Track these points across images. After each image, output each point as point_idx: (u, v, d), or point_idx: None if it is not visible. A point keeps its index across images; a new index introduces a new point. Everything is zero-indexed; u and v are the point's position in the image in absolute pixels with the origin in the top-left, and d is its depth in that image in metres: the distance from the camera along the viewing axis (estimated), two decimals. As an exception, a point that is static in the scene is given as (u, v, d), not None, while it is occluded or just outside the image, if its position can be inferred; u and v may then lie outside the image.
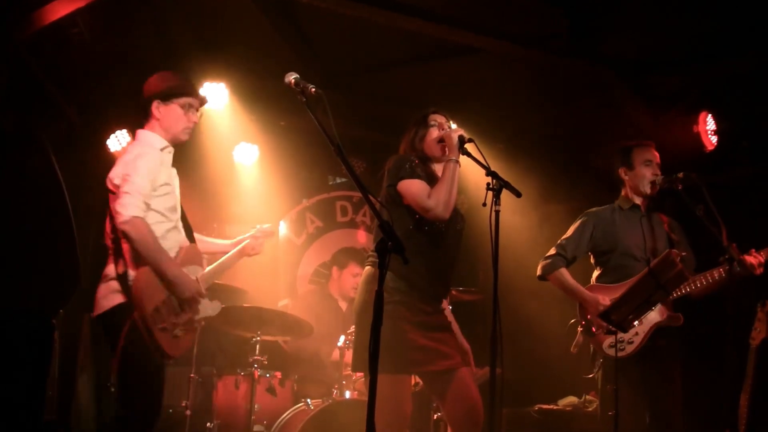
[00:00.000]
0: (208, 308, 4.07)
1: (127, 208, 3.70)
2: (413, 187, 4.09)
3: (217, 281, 5.76)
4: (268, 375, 5.69)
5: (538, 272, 4.91)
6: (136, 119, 6.84)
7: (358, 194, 7.71)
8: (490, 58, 6.41)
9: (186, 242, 4.04)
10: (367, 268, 4.32)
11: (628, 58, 6.33)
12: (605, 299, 4.57)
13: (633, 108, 6.63)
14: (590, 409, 6.05)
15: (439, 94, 6.86)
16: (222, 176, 7.14)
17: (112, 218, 3.83)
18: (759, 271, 4.43)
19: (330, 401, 5.38)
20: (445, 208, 4.06)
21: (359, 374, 5.50)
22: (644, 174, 4.82)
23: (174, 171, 4.11)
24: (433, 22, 5.79)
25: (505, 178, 3.75)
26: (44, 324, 4.31)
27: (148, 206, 3.81)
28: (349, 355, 5.64)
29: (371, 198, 3.18)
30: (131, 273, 3.80)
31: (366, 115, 7.44)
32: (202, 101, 4.17)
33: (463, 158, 4.09)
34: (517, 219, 7.09)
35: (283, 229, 7.79)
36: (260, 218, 4.92)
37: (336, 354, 5.88)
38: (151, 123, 4.08)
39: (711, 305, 4.66)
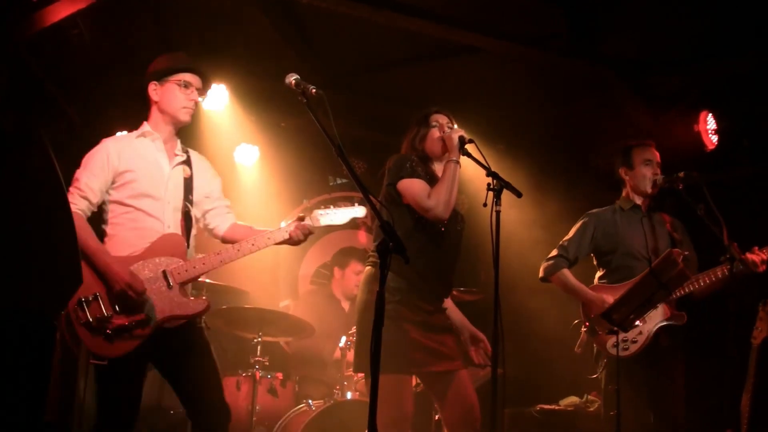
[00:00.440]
0: (176, 307, 3.66)
1: None
2: (414, 187, 4.09)
3: (218, 282, 5.78)
4: (269, 376, 5.69)
5: (541, 274, 4.90)
6: (137, 119, 6.87)
7: (359, 195, 7.63)
8: (491, 58, 6.41)
9: (168, 231, 3.77)
10: (368, 268, 4.32)
11: (628, 57, 6.33)
12: (610, 298, 4.57)
13: (633, 108, 6.63)
14: (592, 409, 6.04)
15: (440, 94, 6.85)
16: (222, 177, 7.11)
17: None
18: (762, 268, 4.43)
19: (331, 402, 5.38)
20: (445, 208, 4.07)
21: (360, 375, 5.50)
22: (644, 174, 4.82)
23: (181, 158, 3.94)
24: (433, 21, 5.80)
25: (506, 179, 3.75)
26: (45, 324, 4.29)
27: (90, 200, 3.71)
28: (350, 356, 5.64)
29: (372, 198, 3.18)
30: None
31: (366, 115, 7.44)
32: (202, 78, 3.98)
33: (463, 159, 4.09)
34: (517, 219, 7.09)
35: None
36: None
37: (338, 354, 5.87)
38: (151, 111, 3.99)
39: (713, 304, 4.65)
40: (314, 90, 3.41)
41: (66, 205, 4.23)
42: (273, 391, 5.67)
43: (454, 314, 4.37)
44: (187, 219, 3.86)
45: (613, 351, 4.44)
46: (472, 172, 4.21)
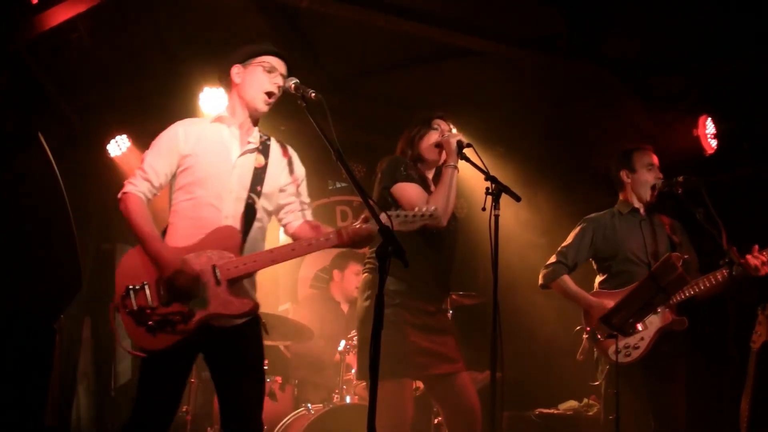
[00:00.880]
0: (220, 305, 3.41)
1: (123, 188, 3.53)
2: (410, 192, 4.08)
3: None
4: (268, 380, 5.68)
5: (540, 281, 4.89)
6: (136, 123, 6.87)
7: (358, 199, 7.69)
8: (490, 61, 6.42)
9: (226, 222, 3.51)
10: (365, 275, 4.32)
11: (628, 59, 6.33)
12: (611, 304, 4.56)
13: (633, 109, 6.64)
14: (591, 414, 6.04)
15: (439, 96, 6.87)
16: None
17: None
18: (763, 271, 4.40)
19: (330, 406, 5.38)
20: (444, 214, 4.06)
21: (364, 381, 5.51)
22: (647, 178, 4.81)
23: (253, 146, 3.67)
24: (433, 25, 5.80)
25: (504, 182, 3.76)
26: (46, 327, 4.30)
27: (152, 182, 3.54)
28: (349, 359, 5.64)
29: (371, 202, 3.17)
30: None
31: (366, 118, 7.45)
32: (288, 66, 3.70)
33: (461, 163, 4.09)
34: (516, 222, 7.09)
35: (283, 233, 7.79)
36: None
37: (337, 358, 5.87)
38: (230, 96, 3.73)
39: (712, 308, 4.65)
40: (313, 94, 3.41)
41: (66, 208, 4.24)
42: (272, 395, 5.67)
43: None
44: (249, 211, 3.56)
45: (614, 357, 4.43)
46: (470, 177, 4.21)
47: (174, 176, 3.60)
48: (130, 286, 3.38)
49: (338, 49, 6.51)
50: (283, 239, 3.92)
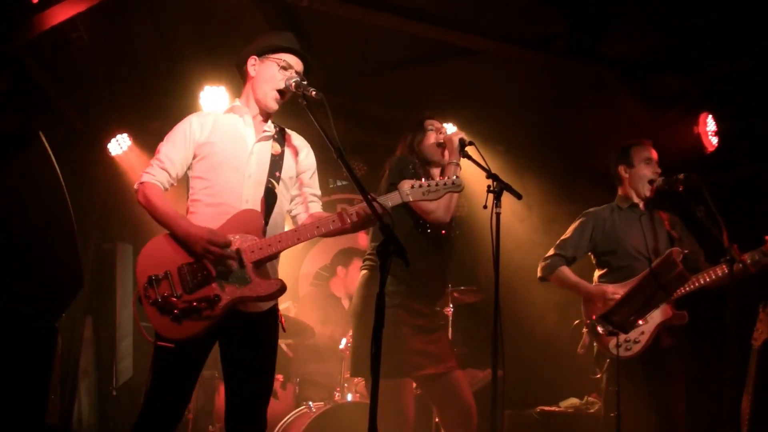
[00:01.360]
0: (247, 287, 3.37)
1: (140, 178, 3.53)
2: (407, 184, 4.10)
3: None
4: (269, 378, 5.68)
5: (539, 274, 4.90)
6: (137, 122, 6.87)
7: (358, 197, 7.66)
8: (491, 60, 6.41)
9: (246, 206, 3.50)
10: (364, 272, 4.33)
11: (629, 58, 6.33)
12: (610, 288, 4.57)
13: (633, 109, 6.64)
14: (592, 411, 6.04)
15: (440, 96, 6.87)
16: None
17: None
18: None
19: (332, 404, 5.38)
20: (446, 211, 4.09)
21: (360, 378, 5.51)
22: (645, 173, 4.82)
23: (269, 133, 3.66)
24: (433, 24, 5.80)
25: (506, 180, 3.76)
26: (47, 327, 4.30)
27: (169, 172, 3.53)
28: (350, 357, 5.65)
29: (372, 201, 3.17)
30: None
31: (367, 117, 7.45)
32: (306, 64, 3.70)
33: (463, 161, 4.10)
34: (518, 220, 7.10)
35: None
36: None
37: (339, 356, 5.88)
38: (244, 86, 3.75)
39: (713, 305, 4.65)
40: (314, 92, 3.42)
41: (67, 207, 4.24)
42: (273, 393, 5.66)
43: None
44: (269, 195, 3.55)
45: (614, 351, 4.44)
46: (472, 174, 4.22)
47: (190, 167, 3.61)
48: (153, 276, 3.36)
49: (338, 47, 6.50)
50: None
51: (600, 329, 4.53)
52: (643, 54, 6.30)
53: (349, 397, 5.54)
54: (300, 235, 3.45)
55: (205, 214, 3.50)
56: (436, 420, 5.72)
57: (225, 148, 3.57)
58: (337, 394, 5.60)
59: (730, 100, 6.26)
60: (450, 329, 5.68)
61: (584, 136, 7.18)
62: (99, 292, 7.06)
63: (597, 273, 4.90)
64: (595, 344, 4.67)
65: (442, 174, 4.25)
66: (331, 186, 8.05)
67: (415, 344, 4.12)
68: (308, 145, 3.84)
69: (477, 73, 6.75)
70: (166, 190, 3.55)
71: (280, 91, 3.61)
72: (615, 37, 6.04)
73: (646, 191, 4.82)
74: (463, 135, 4.15)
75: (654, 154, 4.87)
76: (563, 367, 6.40)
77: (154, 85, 6.70)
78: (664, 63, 6.34)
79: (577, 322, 4.81)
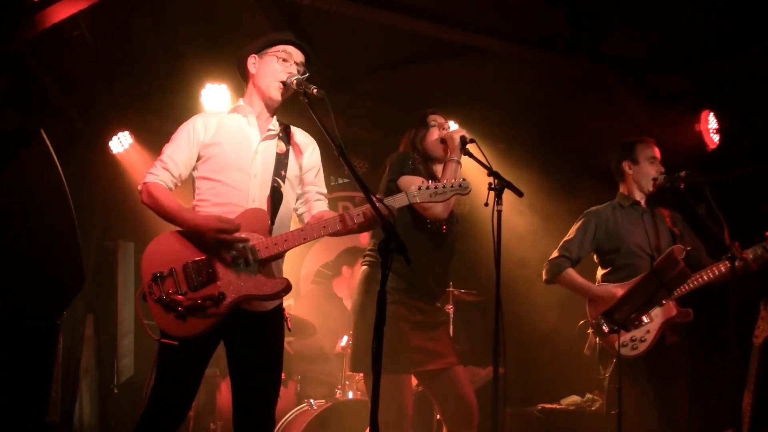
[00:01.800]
0: (252, 286, 3.36)
1: (143, 179, 3.53)
2: (415, 183, 4.10)
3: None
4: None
5: (544, 276, 4.88)
6: (138, 120, 6.87)
7: (360, 195, 7.71)
8: (493, 58, 6.41)
9: (252, 205, 3.50)
10: (364, 268, 4.33)
11: (630, 57, 6.33)
12: (618, 290, 4.56)
13: (634, 108, 6.63)
14: (593, 408, 6.05)
15: (441, 94, 6.87)
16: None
17: None
18: None
19: (333, 402, 5.39)
20: (445, 207, 4.09)
21: (361, 375, 5.51)
22: (649, 171, 4.82)
23: (273, 132, 3.66)
24: (435, 22, 5.80)
25: (507, 178, 3.76)
26: (48, 325, 4.30)
27: (172, 173, 3.53)
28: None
29: (373, 198, 3.17)
30: None
31: (368, 115, 7.45)
32: (305, 54, 3.69)
33: (464, 158, 4.10)
34: (519, 218, 7.10)
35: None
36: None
37: (340, 354, 5.89)
38: (247, 86, 3.75)
39: (715, 303, 4.66)
40: (315, 90, 3.41)
41: (68, 206, 4.24)
42: (275, 391, 5.67)
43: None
44: (275, 194, 3.56)
45: (623, 351, 4.43)
46: (473, 172, 4.22)
47: (195, 167, 3.61)
48: (157, 273, 3.35)
49: (340, 45, 6.50)
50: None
51: (605, 328, 4.53)
52: (644, 53, 6.30)
53: (350, 394, 5.55)
54: (306, 234, 3.45)
55: (212, 214, 3.48)
56: (438, 417, 5.73)
57: (230, 148, 3.56)
58: (338, 391, 5.60)
59: (731, 98, 6.26)
60: (451, 327, 5.69)
61: (585, 134, 7.18)
62: (100, 290, 7.06)
63: (600, 272, 4.90)
64: (599, 344, 4.67)
65: (443, 170, 4.25)
66: (333, 184, 8.05)
67: (415, 340, 4.12)
68: (314, 142, 3.83)
69: (478, 72, 6.75)
70: (170, 190, 3.55)
71: (282, 82, 3.59)
72: (616, 37, 6.03)
73: (650, 187, 4.81)
74: (464, 132, 4.15)
75: (658, 153, 4.87)
76: (564, 364, 6.41)
77: (155, 83, 6.70)
78: (665, 62, 6.34)
79: (582, 322, 4.81)
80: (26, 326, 4.09)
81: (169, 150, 3.57)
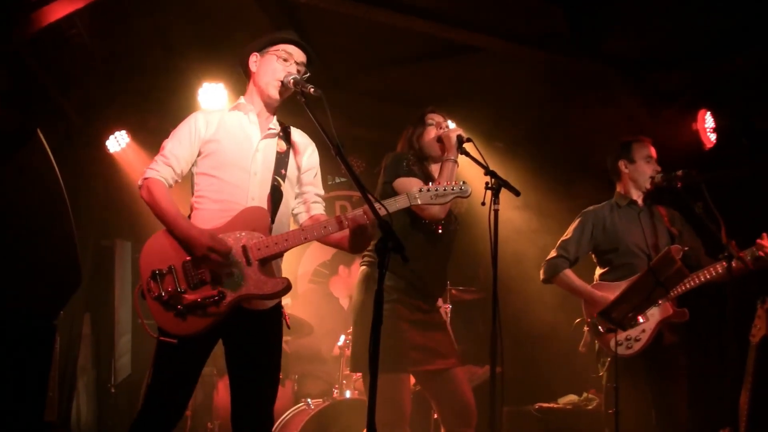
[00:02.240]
0: (252, 285, 3.35)
1: (144, 174, 3.50)
2: (409, 185, 4.10)
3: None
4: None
5: (542, 276, 4.89)
6: (135, 119, 6.86)
7: (357, 194, 7.71)
8: (491, 57, 6.41)
9: (252, 203, 3.49)
10: (363, 268, 4.33)
11: (628, 55, 6.33)
12: (614, 296, 4.56)
13: (632, 106, 6.64)
14: (591, 407, 6.05)
15: (439, 92, 6.87)
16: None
17: None
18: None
19: (330, 401, 5.39)
20: (442, 208, 4.08)
21: (359, 374, 5.52)
22: (645, 170, 4.82)
23: (273, 131, 3.66)
24: (433, 21, 5.80)
25: (504, 177, 3.76)
26: (45, 325, 4.29)
27: (174, 168, 3.51)
28: (348, 354, 5.65)
29: (370, 197, 3.16)
30: None
31: (365, 114, 7.45)
32: (306, 54, 3.68)
33: (461, 157, 4.10)
34: (516, 217, 7.10)
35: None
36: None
37: (337, 353, 5.89)
38: (248, 84, 3.73)
39: (712, 302, 4.66)
40: (312, 89, 3.41)
41: (65, 204, 4.22)
42: (272, 390, 5.67)
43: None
44: (275, 193, 3.55)
45: (618, 349, 4.44)
46: (470, 171, 4.22)
47: (195, 163, 3.59)
48: (156, 270, 3.33)
49: (338, 44, 6.50)
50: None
51: (601, 328, 4.53)
52: (643, 51, 6.31)
53: (348, 394, 5.54)
54: (307, 234, 3.45)
55: (211, 211, 3.49)
56: (434, 416, 5.73)
57: (230, 145, 3.56)
58: (336, 391, 5.60)
59: (729, 97, 6.26)
60: (448, 326, 5.69)
61: (583, 133, 7.17)
62: (98, 289, 7.06)
63: (598, 271, 4.90)
64: (596, 343, 4.67)
65: (440, 170, 4.25)
66: (330, 183, 8.05)
67: (414, 339, 4.12)
68: (312, 143, 3.83)
69: (476, 70, 6.76)
70: (170, 186, 3.53)
71: (281, 82, 3.58)
72: (615, 35, 6.04)
73: (647, 185, 4.82)
74: (461, 132, 4.14)
75: (654, 152, 4.87)
76: (562, 363, 6.41)
77: (152, 82, 6.69)
78: (664, 60, 6.34)
79: (578, 320, 4.82)
80: (23, 326, 4.08)
81: (170, 145, 3.56)
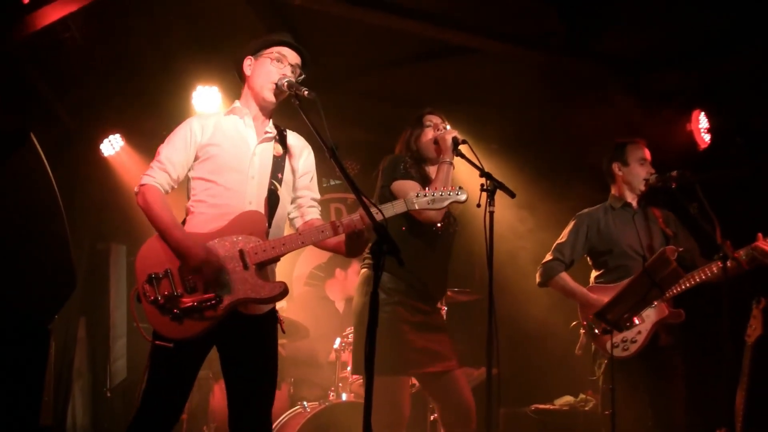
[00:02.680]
0: (249, 289, 3.34)
1: (140, 180, 3.48)
2: (406, 188, 4.11)
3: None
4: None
5: (538, 279, 4.89)
6: (129, 123, 6.85)
7: (352, 196, 7.67)
8: (485, 58, 6.41)
9: (250, 207, 3.47)
10: (363, 270, 4.34)
11: (623, 56, 6.34)
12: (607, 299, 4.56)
13: (627, 106, 6.64)
14: (587, 409, 6.05)
15: (434, 93, 6.87)
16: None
17: None
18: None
19: (326, 404, 5.38)
20: (438, 211, 4.08)
21: (355, 376, 5.51)
22: (639, 173, 4.83)
23: (270, 135, 3.64)
24: (428, 22, 5.79)
25: (499, 179, 3.76)
26: (40, 328, 4.28)
27: (170, 174, 3.49)
28: (344, 357, 5.65)
29: (365, 200, 3.16)
30: None
31: (360, 116, 7.44)
32: (301, 56, 3.67)
33: (457, 159, 4.10)
34: (511, 219, 7.10)
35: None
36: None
37: (333, 356, 5.88)
38: (243, 88, 3.72)
39: (708, 302, 4.66)
40: (307, 92, 3.41)
41: (59, 208, 4.21)
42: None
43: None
44: (272, 197, 3.54)
45: (613, 351, 4.44)
46: (465, 173, 4.22)
47: (191, 168, 3.57)
48: (152, 274, 3.31)
49: (333, 45, 6.49)
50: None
51: (597, 330, 4.54)
52: (638, 52, 6.31)
53: (344, 396, 5.54)
54: (304, 238, 3.44)
55: (207, 215, 3.48)
56: (431, 418, 5.73)
57: (227, 149, 3.55)
58: (332, 393, 5.59)
59: (724, 97, 6.27)
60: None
61: (578, 133, 7.18)
62: (93, 292, 7.04)
63: (594, 273, 4.90)
64: (593, 345, 4.67)
65: (436, 172, 4.25)
66: (325, 185, 8.04)
67: (415, 341, 4.12)
68: (308, 146, 3.82)
69: (471, 71, 6.76)
70: (166, 192, 3.52)
71: (275, 84, 3.57)
72: (610, 35, 6.04)
73: (641, 187, 4.82)
74: (456, 133, 4.15)
75: (648, 155, 4.88)
76: (558, 364, 6.41)
77: (146, 85, 6.67)
78: (659, 60, 6.35)
79: (574, 323, 4.82)
80: (17, 329, 4.07)
81: (166, 151, 3.54)
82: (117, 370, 7.08)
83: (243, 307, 3.38)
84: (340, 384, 5.61)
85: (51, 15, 5.21)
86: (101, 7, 5.38)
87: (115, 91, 6.64)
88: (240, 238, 3.39)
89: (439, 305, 4.40)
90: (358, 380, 5.51)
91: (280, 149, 3.66)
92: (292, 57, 3.65)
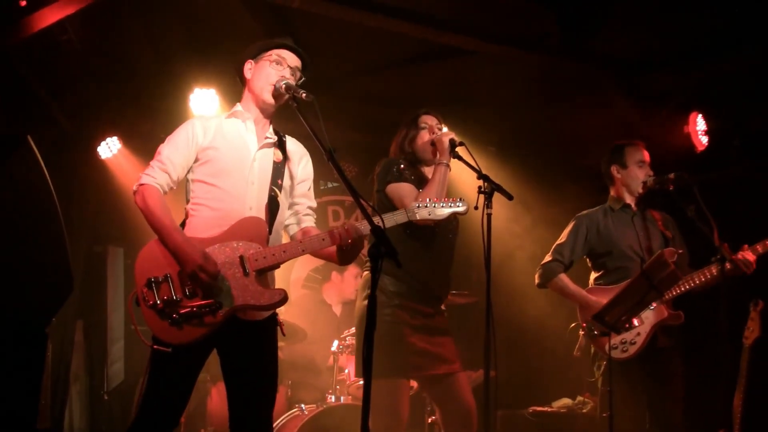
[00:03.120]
0: (249, 296, 3.32)
1: (139, 179, 3.45)
2: (401, 191, 4.10)
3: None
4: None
5: (537, 280, 4.88)
6: (127, 125, 6.85)
7: (349, 198, 7.71)
8: (482, 60, 6.42)
9: (250, 213, 3.46)
10: (365, 273, 4.33)
11: (620, 57, 6.34)
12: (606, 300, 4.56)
13: (624, 108, 6.65)
14: (585, 411, 6.05)
15: (431, 95, 6.87)
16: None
17: None
18: (752, 268, 4.43)
19: (324, 406, 5.37)
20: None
21: (353, 379, 5.51)
22: (637, 175, 4.83)
23: (270, 140, 3.63)
24: (424, 24, 5.79)
25: (497, 181, 3.76)
26: (36, 333, 4.26)
27: (171, 175, 3.47)
28: (342, 360, 5.64)
29: (363, 202, 3.16)
30: None
31: (357, 118, 7.44)
32: (301, 58, 3.66)
33: (454, 161, 4.10)
34: (509, 221, 7.10)
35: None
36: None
37: (330, 358, 5.88)
38: (244, 91, 3.71)
39: (705, 304, 4.67)
40: (304, 94, 3.40)
41: (56, 210, 4.19)
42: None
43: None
44: (272, 203, 3.53)
45: (613, 353, 4.43)
46: (462, 175, 4.22)
47: (191, 170, 3.55)
48: (152, 278, 3.29)
49: (330, 48, 6.49)
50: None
51: (596, 331, 4.53)
52: (635, 53, 6.32)
53: (342, 399, 5.53)
54: (304, 246, 3.44)
55: (207, 219, 3.46)
56: (429, 420, 5.73)
57: (228, 153, 3.53)
58: (330, 396, 5.59)
59: (721, 98, 6.28)
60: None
61: (575, 135, 7.19)
62: (90, 295, 7.03)
63: (593, 275, 4.90)
64: (591, 347, 4.67)
65: (432, 174, 4.25)
66: (322, 188, 8.04)
67: (415, 344, 4.10)
68: (307, 153, 3.81)
69: (468, 73, 6.76)
70: (165, 193, 3.49)
71: (274, 86, 3.55)
72: (606, 36, 6.05)
73: (639, 189, 4.83)
74: (453, 135, 4.14)
75: (647, 157, 4.87)
76: (556, 367, 6.41)
77: (144, 87, 6.67)
78: (655, 62, 6.36)
79: (573, 325, 4.82)
80: (13, 332, 4.06)
81: (166, 151, 3.51)
82: (114, 373, 7.06)
83: (242, 313, 3.36)
84: (338, 387, 5.61)
85: (48, 18, 5.20)
86: (98, 9, 5.37)
87: (113, 94, 6.64)
88: (240, 244, 3.37)
89: (441, 308, 4.38)
90: (356, 383, 5.50)
91: (280, 155, 3.65)
92: (292, 60, 3.64)
